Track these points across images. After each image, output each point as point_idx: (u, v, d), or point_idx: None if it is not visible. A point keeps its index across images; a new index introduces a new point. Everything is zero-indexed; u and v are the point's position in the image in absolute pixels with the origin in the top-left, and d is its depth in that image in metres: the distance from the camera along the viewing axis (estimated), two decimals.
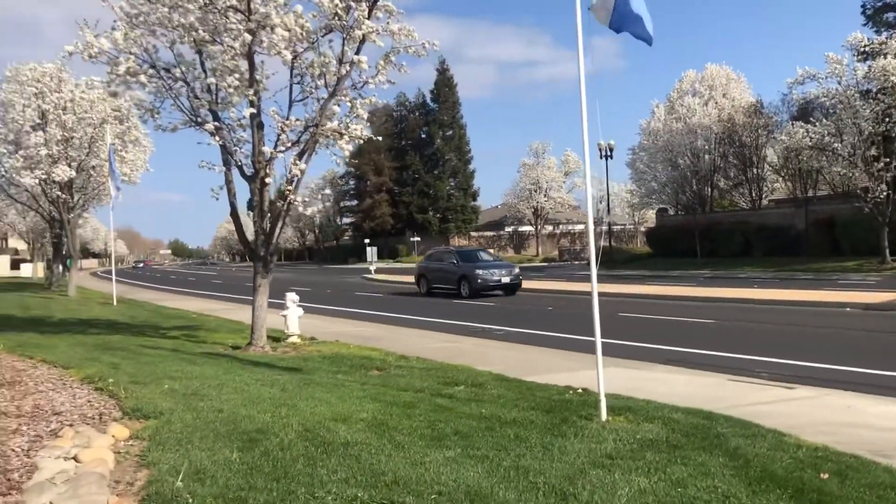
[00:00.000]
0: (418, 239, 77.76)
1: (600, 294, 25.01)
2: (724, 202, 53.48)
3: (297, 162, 10.86)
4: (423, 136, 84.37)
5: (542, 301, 22.69)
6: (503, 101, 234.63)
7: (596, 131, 6.61)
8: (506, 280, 25.33)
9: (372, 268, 44.78)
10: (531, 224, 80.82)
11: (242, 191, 11.89)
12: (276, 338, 13.61)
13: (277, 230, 11.58)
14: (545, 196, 79.06)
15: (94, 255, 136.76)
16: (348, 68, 10.98)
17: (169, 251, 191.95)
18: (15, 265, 66.83)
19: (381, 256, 79.18)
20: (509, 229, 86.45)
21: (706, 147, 47.21)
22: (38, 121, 25.98)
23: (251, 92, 10.55)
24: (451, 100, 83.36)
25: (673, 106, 50.33)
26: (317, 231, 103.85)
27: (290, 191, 10.99)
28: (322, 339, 13.61)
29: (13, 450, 4.83)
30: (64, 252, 33.26)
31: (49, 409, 6.10)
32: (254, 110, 10.65)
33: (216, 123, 10.81)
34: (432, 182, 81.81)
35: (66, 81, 26.58)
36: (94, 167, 28.41)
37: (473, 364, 10.36)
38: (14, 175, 26.08)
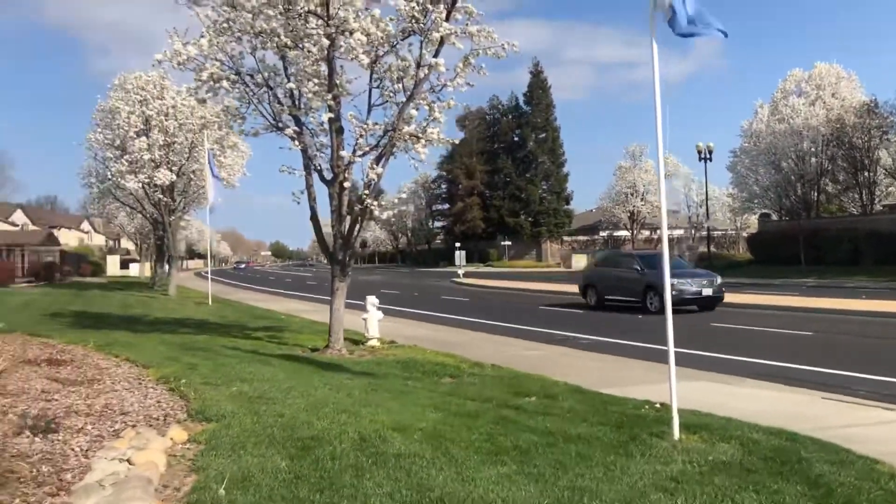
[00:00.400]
0: (509, 243, 77.41)
1: None
2: (832, 207, 50.77)
3: (374, 166, 10.86)
4: (516, 138, 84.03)
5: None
6: (600, 102, 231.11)
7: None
8: (707, 292, 20.66)
9: (460, 272, 44.78)
10: (627, 229, 78.94)
11: (323, 195, 11.99)
12: (358, 341, 13.69)
13: (355, 234, 11.61)
14: (642, 200, 76.94)
15: (200, 256, 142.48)
16: (426, 71, 10.89)
17: (269, 253, 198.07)
18: (124, 265, 70.43)
19: (471, 260, 79.29)
20: (604, 234, 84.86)
21: (812, 149, 44.95)
22: (141, 126, 27.17)
23: (329, 97, 10.61)
24: (545, 101, 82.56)
25: (777, 106, 48.12)
26: (409, 234, 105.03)
27: (366, 195, 11.01)
28: (402, 343, 13.59)
29: (73, 449, 4.93)
30: (166, 253, 34.68)
31: (118, 409, 6.23)
32: (332, 115, 10.71)
33: (296, 128, 10.94)
34: (524, 185, 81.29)
35: (168, 89, 27.71)
36: (193, 171, 29.47)
37: (551, 374, 10.09)
38: (119, 179, 27.38)
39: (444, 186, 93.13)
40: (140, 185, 27.29)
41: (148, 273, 57.05)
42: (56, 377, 7.76)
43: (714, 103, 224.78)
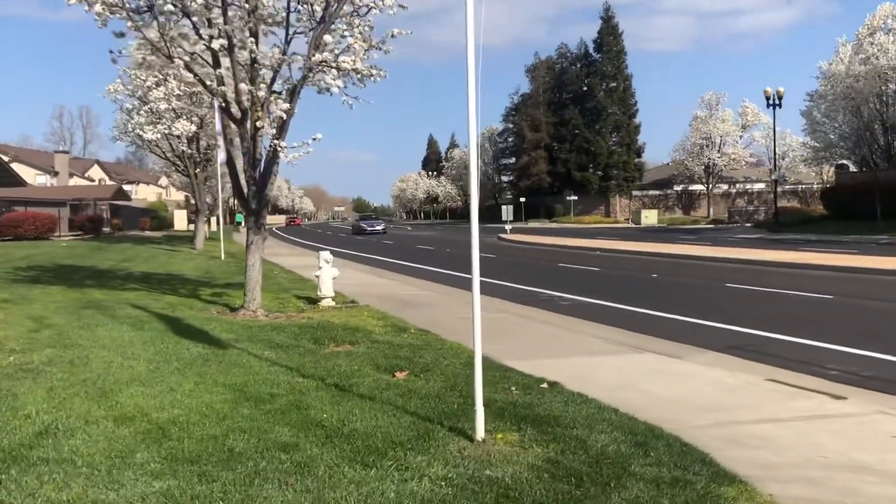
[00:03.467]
0: (575, 198, 74.59)
1: (728, 259, 21.56)
2: None
3: (279, 101, 9.47)
4: (584, 88, 79.84)
5: (658, 267, 20.09)
6: (700, 53, 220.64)
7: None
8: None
9: (507, 228, 43.15)
10: (702, 182, 74.77)
11: None
12: (314, 299, 12.55)
13: (268, 181, 10.26)
14: (718, 152, 72.58)
15: (282, 212, 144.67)
16: None
17: (342, 208, 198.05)
18: (192, 220, 71.26)
19: (536, 216, 77.15)
20: (678, 188, 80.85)
21: None
22: (160, 76, 26.25)
23: (221, 20, 9.23)
24: (616, 49, 78.16)
25: (861, 45, 43.68)
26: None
27: (273, 136, 9.66)
28: (359, 304, 12.34)
29: None
30: (215, 208, 34.17)
31: None
32: (224, 41, 9.29)
33: (186, 59, 9.57)
34: (592, 137, 77.55)
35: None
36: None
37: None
38: (138, 130, 26.72)
39: (510, 140, 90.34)
40: (159, 135, 26.59)
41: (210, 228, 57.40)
42: None
43: (812, 51, 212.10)
